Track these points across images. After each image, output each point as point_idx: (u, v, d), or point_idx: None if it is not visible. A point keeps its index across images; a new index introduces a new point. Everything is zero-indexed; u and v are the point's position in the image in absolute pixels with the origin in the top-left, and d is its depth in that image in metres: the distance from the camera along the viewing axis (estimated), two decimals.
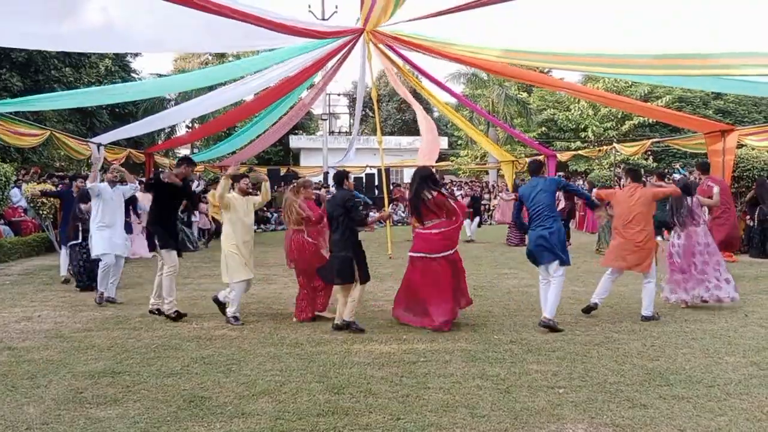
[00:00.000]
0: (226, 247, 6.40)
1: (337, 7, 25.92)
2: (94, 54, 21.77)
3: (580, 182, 22.99)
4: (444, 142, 36.89)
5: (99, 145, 13.83)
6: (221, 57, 34.00)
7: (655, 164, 32.61)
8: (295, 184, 6.87)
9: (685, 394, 4.17)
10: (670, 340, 5.66)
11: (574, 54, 9.30)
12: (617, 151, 19.27)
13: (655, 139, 18.40)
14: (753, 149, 13.04)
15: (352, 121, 40.14)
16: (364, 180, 25.83)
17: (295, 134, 36.77)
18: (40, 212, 12.22)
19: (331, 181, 21.67)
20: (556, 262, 6.13)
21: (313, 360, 5.02)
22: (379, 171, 20.01)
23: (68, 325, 6.34)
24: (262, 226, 20.31)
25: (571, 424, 3.70)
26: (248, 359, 5.05)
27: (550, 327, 5.97)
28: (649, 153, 30.62)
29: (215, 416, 3.81)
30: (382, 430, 3.61)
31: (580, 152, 21.68)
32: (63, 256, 9.22)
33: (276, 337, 5.79)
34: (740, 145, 12.14)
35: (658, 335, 5.83)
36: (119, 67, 24.39)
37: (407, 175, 31.10)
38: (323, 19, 24.72)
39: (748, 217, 12.23)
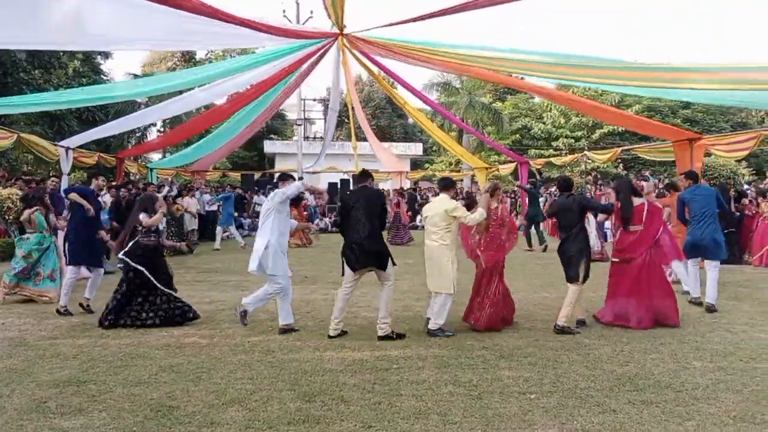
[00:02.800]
0: (450, 256, 6.08)
1: (312, 12, 25.83)
2: (63, 55, 21.40)
3: (554, 188, 23.27)
4: (419, 149, 37.13)
5: (68, 148, 13.55)
6: (189, 63, 33.82)
7: (624, 172, 33.26)
8: (491, 187, 6.72)
9: (653, 399, 4.22)
10: (639, 345, 5.74)
11: (549, 62, 9.43)
12: (588, 159, 19.57)
13: (625, 147, 18.74)
14: (719, 158, 13.36)
15: (326, 126, 40.08)
16: (339, 185, 25.77)
17: (270, 139, 36.55)
18: (6, 217, 11.90)
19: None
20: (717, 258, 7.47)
21: (285, 367, 4.97)
22: (354, 176, 20.01)
23: (33, 333, 6.17)
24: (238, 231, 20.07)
25: (542, 429, 3.72)
26: (218, 367, 4.97)
27: (712, 310, 7.18)
28: (619, 161, 31.23)
29: (183, 426, 3.74)
30: None
31: (551, 160, 21.96)
32: (69, 280, 7.27)
33: (247, 345, 5.71)
34: (708, 154, 12.41)
35: (628, 340, 5.90)
36: (89, 69, 24.00)
37: (381, 183, 31.06)
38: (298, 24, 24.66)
39: None
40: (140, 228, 6.66)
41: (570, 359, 5.25)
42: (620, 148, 17.72)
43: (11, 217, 11.85)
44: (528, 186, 17.12)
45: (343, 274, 6.17)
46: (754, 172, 32.43)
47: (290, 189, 6.45)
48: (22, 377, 4.66)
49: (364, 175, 6.54)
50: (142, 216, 6.65)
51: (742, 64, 7.74)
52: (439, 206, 6.22)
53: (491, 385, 4.54)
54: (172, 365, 5.01)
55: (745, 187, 14.92)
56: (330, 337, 6.00)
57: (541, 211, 15.15)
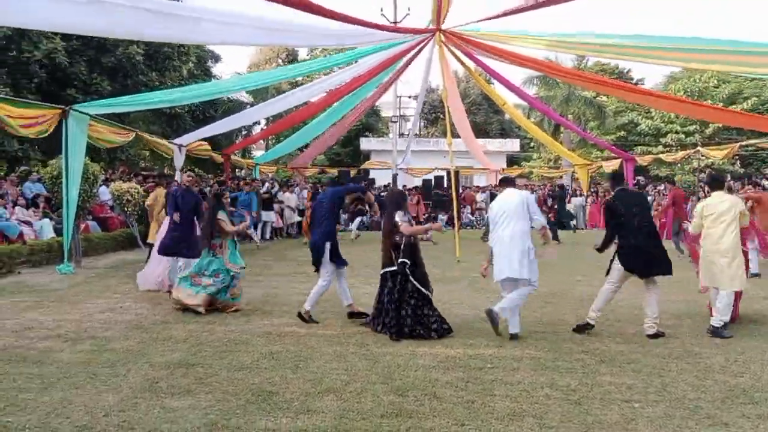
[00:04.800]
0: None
1: (409, 9, 25.96)
2: (177, 58, 22.83)
3: (662, 187, 22.01)
4: (516, 145, 36.37)
5: (180, 146, 14.47)
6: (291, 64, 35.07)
7: (742, 169, 30.83)
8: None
9: None
10: (755, 355, 5.30)
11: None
12: (702, 156, 18.30)
13: (743, 142, 17.34)
14: None
15: (421, 122, 40.19)
16: (432, 182, 25.74)
17: (366, 137, 37.17)
18: (126, 209, 12.90)
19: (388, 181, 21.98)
20: None
21: (378, 361, 5.03)
22: (448, 173, 19.93)
23: (148, 317, 6.63)
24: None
25: None
26: (315, 357, 5.12)
27: None
28: (737, 157, 28.96)
29: (282, 411, 3.88)
30: None
31: (660, 156, 20.71)
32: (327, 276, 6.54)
33: (342, 336, 5.84)
34: None
35: (743, 350, 5.47)
36: (201, 71, 25.43)
37: (476, 179, 30.70)
38: (395, 23, 24.85)
39: None
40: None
41: (678, 368, 4.93)
42: (738, 144, 16.42)
43: (130, 209, 12.82)
44: (556, 189, 19.91)
45: (607, 274, 6.19)
46: None
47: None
48: (137, 358, 5.03)
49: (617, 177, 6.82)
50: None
51: None
52: (730, 207, 6.19)
53: (591, 390, 4.36)
54: (272, 352, 5.22)
55: None
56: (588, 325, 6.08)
57: (567, 213, 18.69)
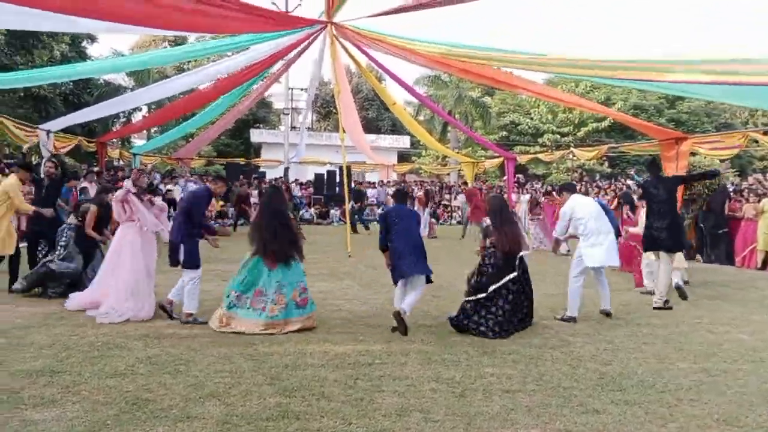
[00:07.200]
0: None
1: (301, 1, 25.63)
2: (48, 39, 20.99)
3: (539, 185, 23.38)
4: (406, 142, 37.07)
5: (48, 132, 13.30)
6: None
7: (609, 169, 33.49)
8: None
9: (637, 400, 4.20)
10: (622, 344, 5.72)
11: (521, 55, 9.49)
12: (574, 156, 19.61)
13: (611, 145, 18.78)
14: (705, 157, 13.43)
15: (313, 116, 39.86)
16: (325, 177, 25.62)
17: (257, 128, 36.27)
18: None
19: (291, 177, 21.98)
20: None
21: (265, 361, 4.87)
22: (341, 168, 19.91)
23: (7, 321, 6.00)
24: (219, 221, 19.85)
25: (525, 429, 3.67)
26: (197, 359, 4.87)
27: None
28: (605, 158, 31.38)
29: (158, 420, 3.64)
30: None
31: (538, 156, 21.98)
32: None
33: (228, 337, 5.61)
34: (693, 153, 12.48)
35: (611, 339, 5.89)
36: (75, 53, 23.54)
37: (368, 175, 30.95)
38: (286, 12, 24.39)
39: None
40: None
41: (553, 357, 5.22)
42: (607, 146, 17.75)
43: None
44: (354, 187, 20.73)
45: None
46: (737, 173, 32.81)
47: None
48: None
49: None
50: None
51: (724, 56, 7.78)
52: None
53: (474, 382, 4.49)
54: (149, 356, 4.90)
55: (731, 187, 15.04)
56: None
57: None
